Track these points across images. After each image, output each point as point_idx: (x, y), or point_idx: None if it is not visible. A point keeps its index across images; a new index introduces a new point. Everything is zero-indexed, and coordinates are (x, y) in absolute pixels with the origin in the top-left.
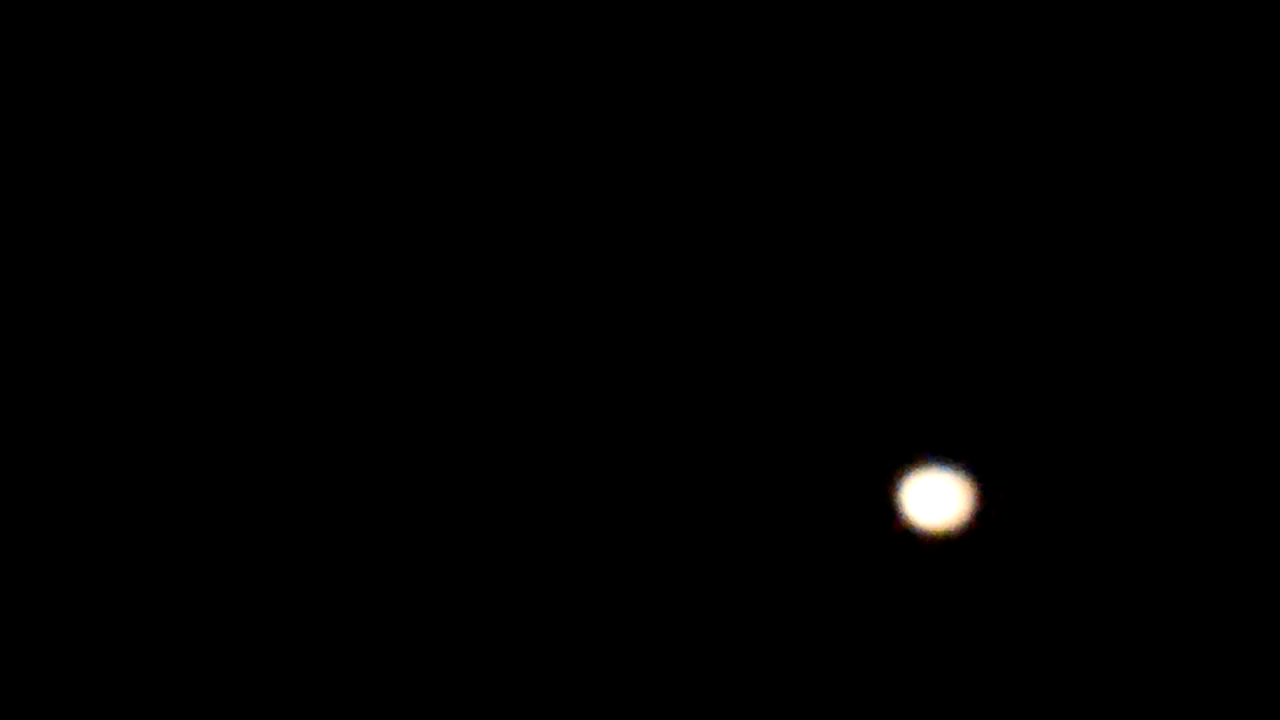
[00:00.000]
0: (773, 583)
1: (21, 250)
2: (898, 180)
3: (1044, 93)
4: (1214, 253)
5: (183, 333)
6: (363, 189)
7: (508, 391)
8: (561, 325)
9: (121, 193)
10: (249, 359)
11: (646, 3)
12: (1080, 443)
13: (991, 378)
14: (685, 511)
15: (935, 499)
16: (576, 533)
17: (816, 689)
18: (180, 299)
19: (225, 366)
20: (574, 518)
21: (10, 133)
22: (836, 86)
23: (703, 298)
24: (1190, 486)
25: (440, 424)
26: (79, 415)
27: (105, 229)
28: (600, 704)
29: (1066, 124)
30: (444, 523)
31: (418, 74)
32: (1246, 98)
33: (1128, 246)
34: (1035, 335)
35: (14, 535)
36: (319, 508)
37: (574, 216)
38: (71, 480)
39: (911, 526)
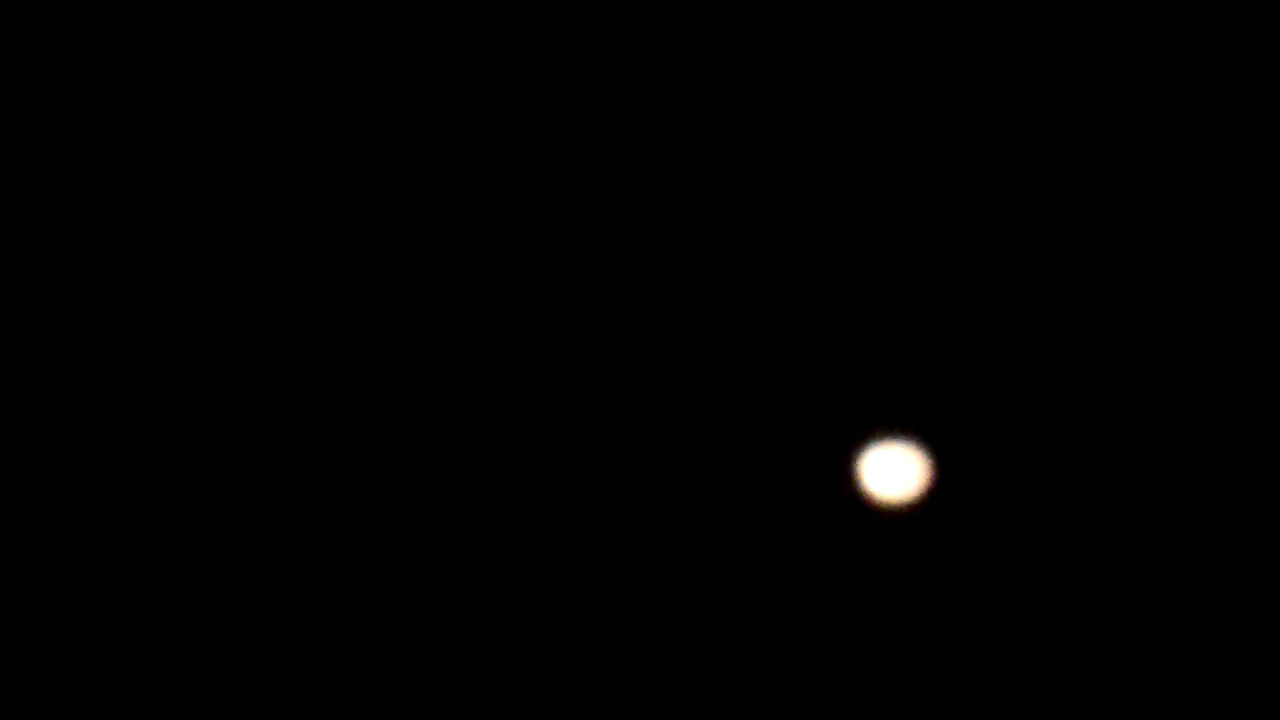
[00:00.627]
0: (740, 555)
1: (21, 250)
2: (866, 167)
3: (1033, 91)
4: (1190, 243)
5: (183, 333)
6: (363, 189)
7: (493, 380)
8: (530, 306)
9: (121, 193)
10: (249, 359)
11: (647, 3)
12: (1041, 417)
13: (951, 354)
14: (654, 490)
15: (894, 473)
16: (548, 503)
17: (788, 662)
18: (180, 299)
19: (225, 366)
20: (544, 487)
21: (10, 133)
22: (822, 84)
23: (668, 280)
24: (1152, 457)
25: (434, 421)
26: (79, 415)
27: (105, 229)
28: (580, 684)
29: (1048, 118)
30: (436, 518)
31: (418, 74)
32: (1246, 98)
33: (1094, 229)
34: (996, 312)
35: (14, 535)
36: (319, 507)
37: (562, 214)
38: (71, 480)
39: (871, 499)
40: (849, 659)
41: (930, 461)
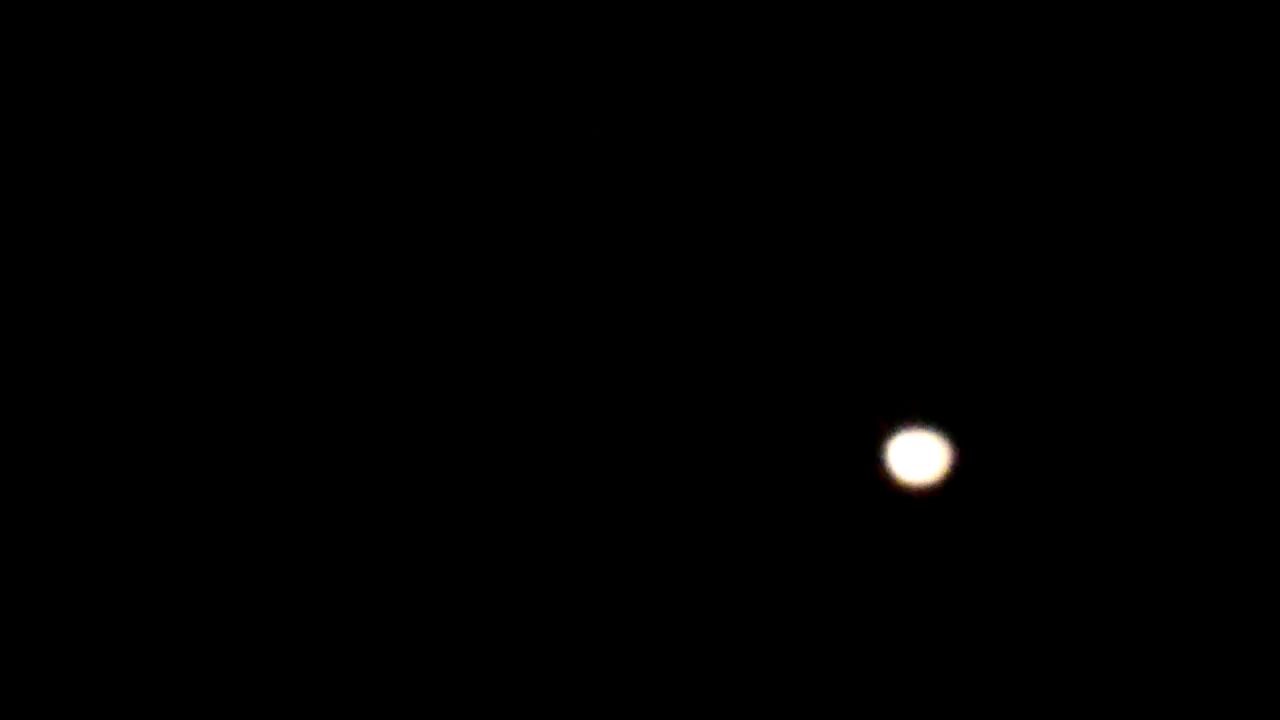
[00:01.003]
0: (774, 536)
1: (21, 250)
2: (870, 164)
3: (1021, 91)
4: (1202, 230)
5: (182, 333)
6: (362, 189)
7: (488, 378)
8: (529, 301)
9: (121, 193)
10: (248, 359)
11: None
12: (1056, 405)
13: (971, 347)
14: (675, 478)
15: (918, 457)
16: (564, 489)
17: (818, 638)
18: (180, 299)
19: (225, 366)
20: (560, 474)
21: (10, 133)
22: (812, 85)
23: (686, 277)
24: (1165, 449)
25: (428, 418)
26: (79, 415)
27: (105, 229)
28: (591, 673)
29: (1037, 117)
30: (431, 513)
31: (417, 74)
32: (1246, 98)
33: (1108, 223)
34: (1015, 306)
35: (14, 535)
36: (318, 507)
37: (556, 214)
38: (71, 480)
39: (896, 483)
40: (874, 635)
41: (952, 447)
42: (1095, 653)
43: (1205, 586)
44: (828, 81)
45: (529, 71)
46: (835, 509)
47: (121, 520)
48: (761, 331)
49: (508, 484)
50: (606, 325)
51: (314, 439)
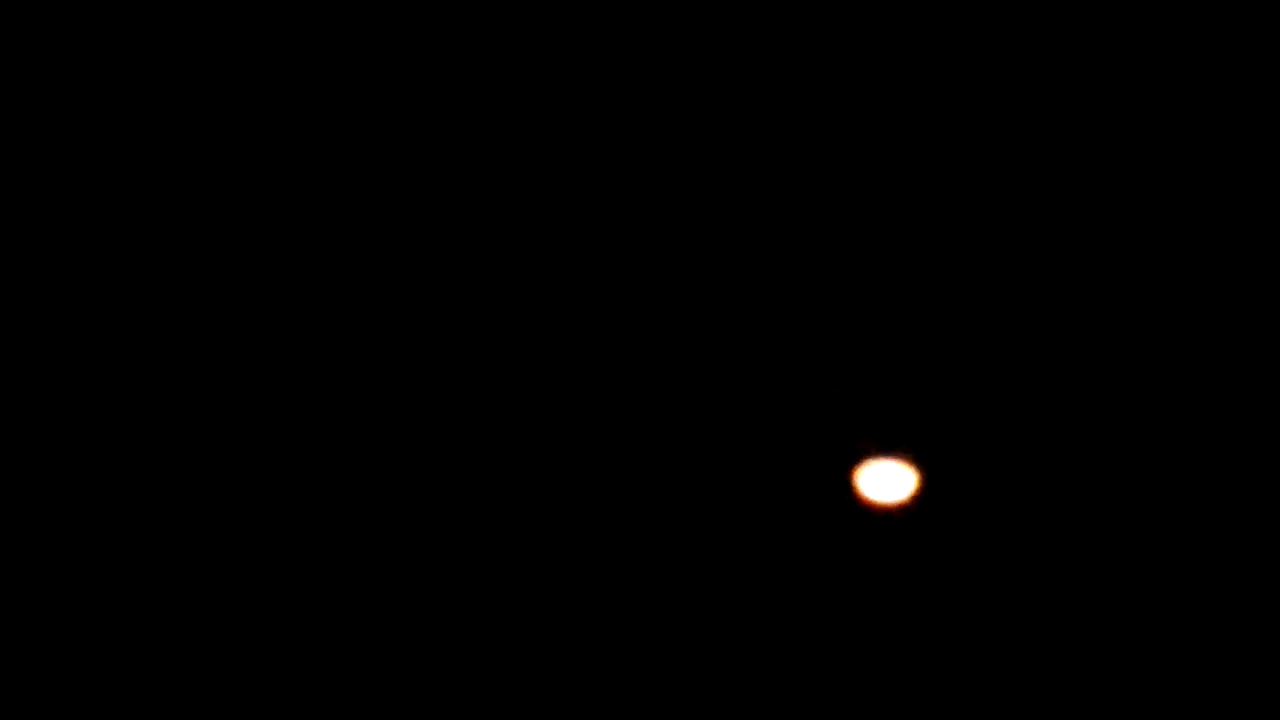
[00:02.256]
0: (754, 552)
1: (21, 250)
2: (857, 182)
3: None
4: (1164, 271)
5: (183, 332)
6: (363, 189)
7: (485, 392)
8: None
9: (122, 193)
10: (249, 359)
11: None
12: (1017, 434)
13: (938, 382)
14: (657, 491)
15: (887, 481)
16: (543, 505)
17: (792, 647)
18: (180, 299)
19: (225, 366)
20: (548, 495)
21: (10, 133)
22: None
23: (668, 300)
24: (1115, 466)
25: (414, 429)
26: (79, 415)
27: (106, 229)
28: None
29: (1015, 121)
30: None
31: (418, 74)
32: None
33: (1066, 266)
34: (978, 344)
35: (14, 535)
36: (318, 507)
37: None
38: (71, 480)
39: (868, 504)
40: (846, 643)
41: (919, 472)
42: (1058, 658)
43: (1165, 601)
44: (792, 116)
45: (529, 71)
46: (811, 527)
47: (122, 520)
48: (743, 365)
49: (485, 495)
50: (587, 345)
51: (314, 439)
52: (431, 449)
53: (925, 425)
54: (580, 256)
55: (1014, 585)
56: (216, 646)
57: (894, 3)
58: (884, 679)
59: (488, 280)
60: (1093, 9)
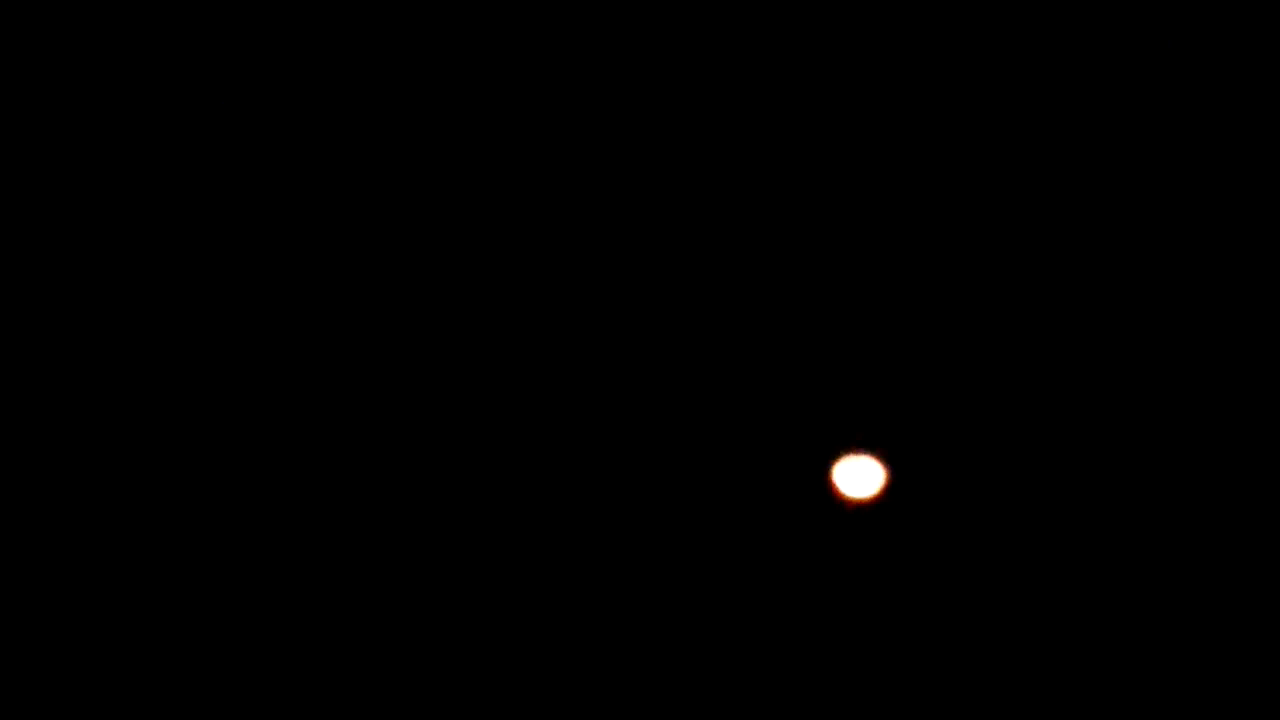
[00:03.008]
0: (733, 546)
1: (21, 250)
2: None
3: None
4: (1137, 279)
5: (183, 332)
6: (362, 189)
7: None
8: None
9: (121, 193)
10: (249, 359)
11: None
12: (983, 434)
13: (908, 384)
14: (638, 492)
15: (860, 477)
16: (527, 504)
17: (772, 641)
18: (180, 299)
19: (225, 366)
20: (530, 490)
21: (10, 133)
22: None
23: (649, 303)
24: (1078, 465)
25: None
26: (79, 415)
27: (106, 229)
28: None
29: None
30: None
31: (417, 74)
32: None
33: (1042, 271)
34: (946, 346)
35: (14, 535)
36: (318, 507)
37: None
38: (71, 480)
39: (841, 498)
40: (823, 638)
41: (889, 469)
42: (1027, 650)
43: (1143, 595)
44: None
45: (527, 71)
46: (787, 522)
47: (121, 519)
48: (721, 366)
49: (470, 489)
50: (569, 344)
51: (313, 438)
52: (413, 445)
53: (895, 421)
54: (557, 254)
55: (988, 580)
56: (216, 646)
57: (894, 3)
58: (862, 675)
59: (466, 276)
60: (1093, 9)
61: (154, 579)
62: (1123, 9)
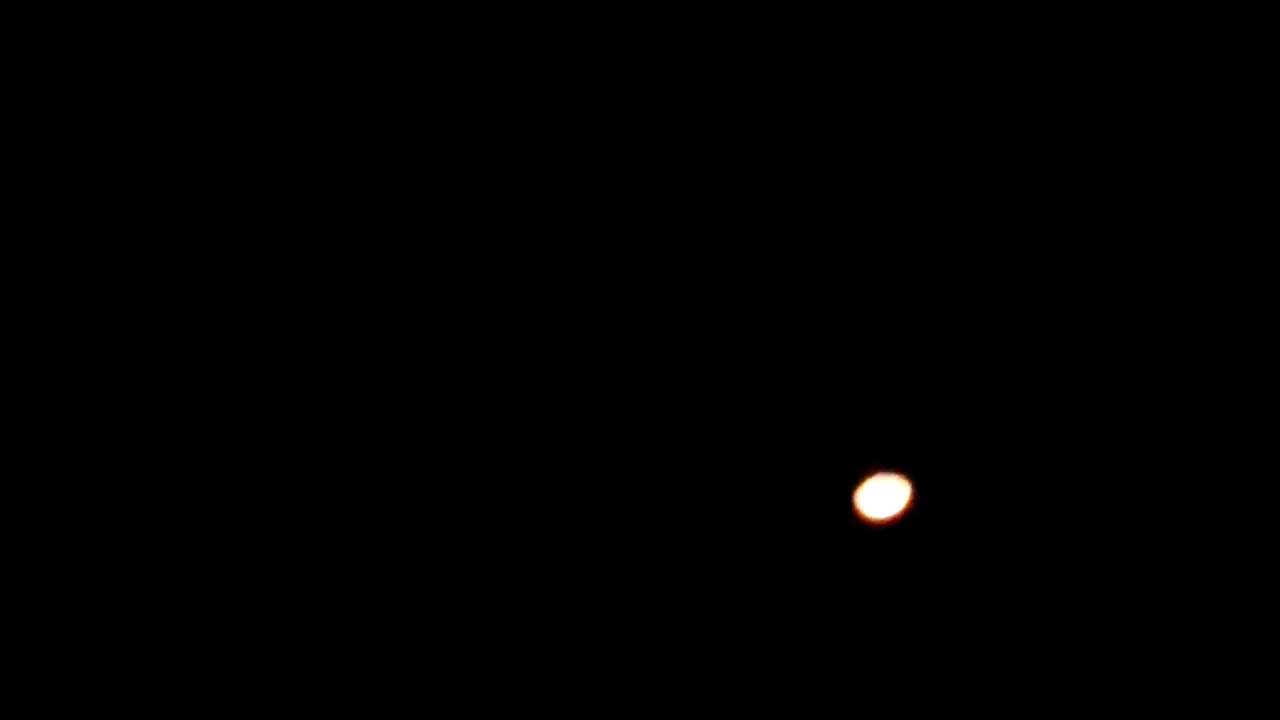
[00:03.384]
0: (758, 564)
1: (21, 250)
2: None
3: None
4: (1146, 292)
5: (183, 332)
6: (362, 189)
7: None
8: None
9: (122, 193)
10: (248, 359)
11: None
12: (1002, 455)
13: (931, 406)
14: (660, 503)
15: (884, 498)
16: (555, 526)
17: (792, 655)
18: (180, 299)
19: (224, 366)
20: (551, 512)
21: (10, 133)
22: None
23: (670, 315)
24: (1094, 481)
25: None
26: (79, 415)
27: (106, 229)
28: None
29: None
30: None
31: (417, 74)
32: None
33: (1052, 288)
34: (967, 369)
35: (14, 535)
36: (318, 507)
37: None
38: (71, 480)
39: (865, 519)
40: (842, 654)
41: (912, 489)
42: (1045, 665)
43: (1160, 609)
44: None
45: (526, 71)
46: (812, 541)
47: (122, 519)
48: (748, 387)
49: (486, 503)
50: (584, 357)
51: (314, 438)
52: (433, 452)
53: (918, 440)
54: (579, 266)
55: (1008, 599)
56: (216, 646)
57: (894, 3)
58: (879, 689)
59: (487, 284)
60: (1093, 9)
61: (154, 579)
62: (1123, 9)
